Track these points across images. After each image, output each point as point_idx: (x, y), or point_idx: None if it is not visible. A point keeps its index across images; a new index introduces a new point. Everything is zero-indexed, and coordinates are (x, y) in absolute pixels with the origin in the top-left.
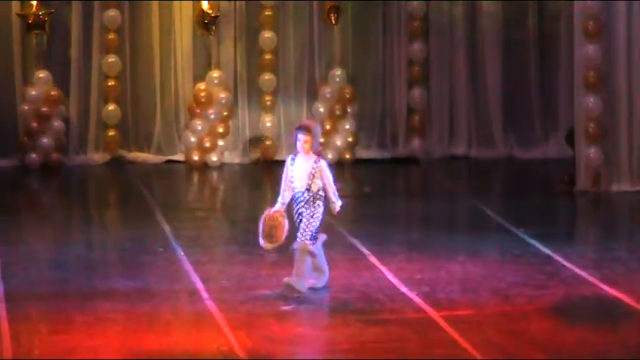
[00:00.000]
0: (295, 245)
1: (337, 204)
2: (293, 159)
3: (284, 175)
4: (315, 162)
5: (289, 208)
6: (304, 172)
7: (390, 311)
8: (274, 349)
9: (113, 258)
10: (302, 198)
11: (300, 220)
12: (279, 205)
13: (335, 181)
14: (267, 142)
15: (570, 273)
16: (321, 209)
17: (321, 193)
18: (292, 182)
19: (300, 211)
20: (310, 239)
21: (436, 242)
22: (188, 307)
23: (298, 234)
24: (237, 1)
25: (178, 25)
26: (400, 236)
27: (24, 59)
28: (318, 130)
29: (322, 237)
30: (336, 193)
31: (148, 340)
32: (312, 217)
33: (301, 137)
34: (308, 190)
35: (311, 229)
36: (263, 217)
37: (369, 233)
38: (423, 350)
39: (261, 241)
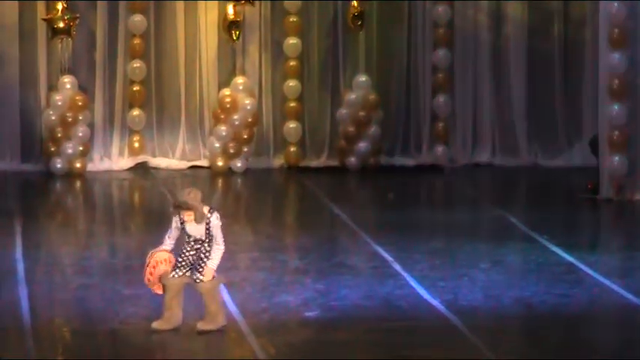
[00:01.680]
0: (200, 288)
1: (212, 265)
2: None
3: (173, 227)
4: (207, 220)
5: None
6: (200, 230)
7: (413, 319)
8: (297, 356)
9: (137, 263)
10: (198, 245)
11: (192, 257)
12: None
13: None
14: (292, 149)
15: (594, 281)
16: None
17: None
18: (188, 236)
19: (192, 252)
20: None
21: (459, 250)
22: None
23: (195, 275)
24: (262, 8)
25: (204, 31)
26: (423, 244)
27: (49, 64)
28: (197, 197)
29: (221, 279)
30: (218, 255)
31: (172, 347)
32: (206, 253)
33: (185, 215)
34: (207, 238)
35: (204, 264)
36: (152, 262)
37: (392, 240)
38: (445, 358)
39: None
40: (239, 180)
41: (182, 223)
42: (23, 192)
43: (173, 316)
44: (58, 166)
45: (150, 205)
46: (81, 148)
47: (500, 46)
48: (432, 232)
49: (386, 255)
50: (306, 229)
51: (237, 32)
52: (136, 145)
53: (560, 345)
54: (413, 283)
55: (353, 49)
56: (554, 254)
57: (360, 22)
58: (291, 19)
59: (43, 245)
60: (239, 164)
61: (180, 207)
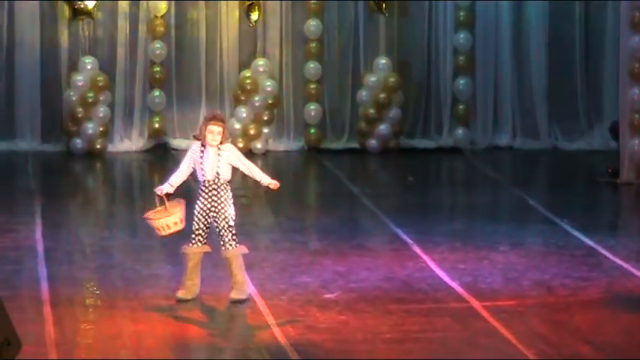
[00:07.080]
0: (226, 254)
1: (266, 180)
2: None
3: (188, 160)
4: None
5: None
6: (214, 167)
7: (433, 301)
8: (316, 337)
9: (156, 244)
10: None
11: (213, 218)
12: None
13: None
14: (312, 131)
15: (613, 264)
16: (231, 204)
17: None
18: (203, 171)
19: (209, 205)
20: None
21: (479, 232)
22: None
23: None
24: None
25: (225, 11)
26: (443, 226)
27: (70, 45)
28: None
29: (243, 249)
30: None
31: (191, 326)
32: (227, 215)
33: (214, 129)
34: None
35: (233, 231)
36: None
37: (412, 223)
38: (465, 340)
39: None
40: (259, 161)
41: (202, 152)
42: (43, 172)
43: (194, 285)
44: (79, 146)
45: None
46: (101, 129)
47: (522, 29)
48: (452, 215)
49: (406, 237)
50: (326, 210)
51: (256, 14)
52: (157, 125)
53: (580, 327)
54: (433, 265)
55: (373, 31)
56: (574, 237)
57: (384, 4)
58: (311, 1)
59: (63, 225)
60: (259, 146)
61: (212, 120)
